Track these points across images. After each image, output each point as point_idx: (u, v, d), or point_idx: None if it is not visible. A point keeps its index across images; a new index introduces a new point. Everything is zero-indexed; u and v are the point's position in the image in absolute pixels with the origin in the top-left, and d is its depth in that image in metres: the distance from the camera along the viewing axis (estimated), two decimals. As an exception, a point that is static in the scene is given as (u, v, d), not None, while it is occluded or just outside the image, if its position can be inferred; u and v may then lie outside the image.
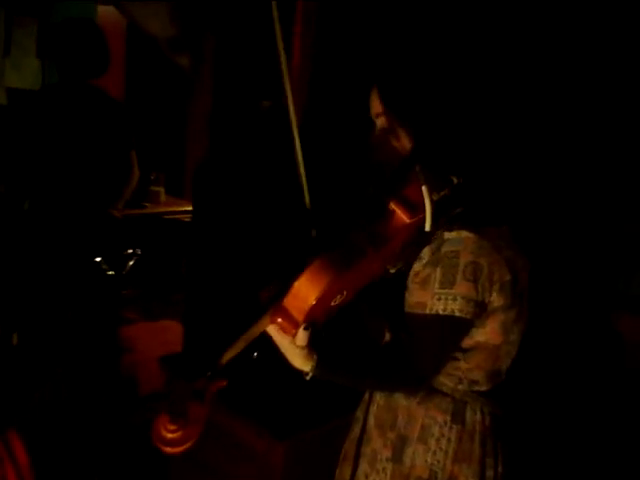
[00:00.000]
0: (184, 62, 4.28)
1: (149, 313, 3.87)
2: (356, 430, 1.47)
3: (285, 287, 1.16)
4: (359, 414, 1.48)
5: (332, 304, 1.15)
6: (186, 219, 3.90)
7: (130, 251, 2.81)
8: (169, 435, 1.13)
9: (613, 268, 2.15)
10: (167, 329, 3.47)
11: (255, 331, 1.20)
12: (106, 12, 3.85)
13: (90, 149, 2.68)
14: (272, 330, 1.17)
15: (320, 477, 1.78)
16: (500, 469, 1.35)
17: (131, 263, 2.84)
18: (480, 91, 1.36)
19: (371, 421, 1.42)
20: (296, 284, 1.13)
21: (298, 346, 1.16)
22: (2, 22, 3.32)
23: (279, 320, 1.16)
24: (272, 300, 1.19)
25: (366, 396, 1.46)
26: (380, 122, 1.29)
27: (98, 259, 2.67)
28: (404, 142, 1.27)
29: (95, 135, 2.69)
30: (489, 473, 1.33)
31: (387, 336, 1.42)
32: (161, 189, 4.03)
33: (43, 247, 2.62)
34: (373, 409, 1.42)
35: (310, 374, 1.21)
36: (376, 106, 1.29)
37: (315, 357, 1.18)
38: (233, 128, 3.14)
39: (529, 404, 2.04)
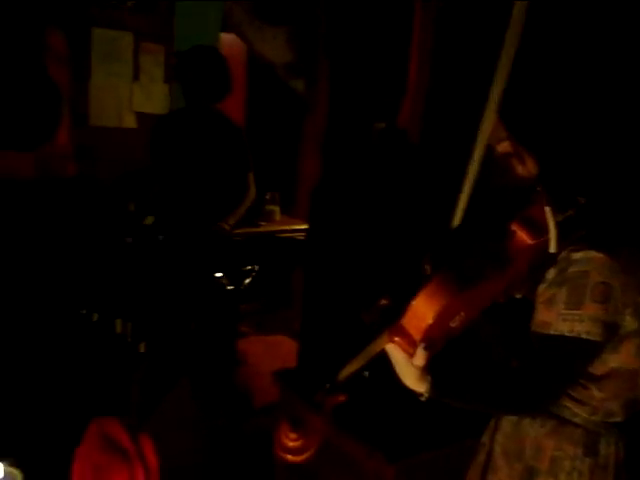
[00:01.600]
0: (299, 86, 4.42)
1: (261, 327, 3.99)
2: (481, 457, 1.45)
3: (401, 305, 1.17)
4: (485, 440, 1.46)
5: (451, 325, 1.15)
6: (299, 237, 4.00)
7: (248, 267, 2.93)
8: (290, 443, 1.18)
9: None
10: (279, 343, 3.55)
11: (373, 349, 1.21)
12: (228, 39, 4.06)
13: (210, 169, 2.84)
14: (390, 349, 1.18)
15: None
16: None
17: (248, 279, 2.95)
18: (601, 112, 1.33)
19: (497, 449, 1.40)
20: (414, 303, 1.14)
21: (414, 366, 1.15)
22: (131, 49, 3.57)
23: (397, 339, 1.16)
24: (389, 318, 1.20)
25: (492, 422, 1.44)
26: (502, 147, 1.29)
27: (219, 274, 2.80)
28: (529, 166, 1.26)
29: (215, 156, 2.84)
30: None
31: (508, 358, 1.39)
32: (276, 208, 4.16)
33: (169, 262, 2.78)
34: (499, 436, 1.39)
35: (425, 395, 1.19)
36: (499, 131, 1.29)
37: (429, 378, 1.17)
38: (347, 149, 3.21)
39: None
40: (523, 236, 1.18)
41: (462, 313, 1.15)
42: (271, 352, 3.37)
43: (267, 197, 4.15)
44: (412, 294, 1.15)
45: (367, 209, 2.53)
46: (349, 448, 1.96)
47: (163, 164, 2.91)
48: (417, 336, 1.14)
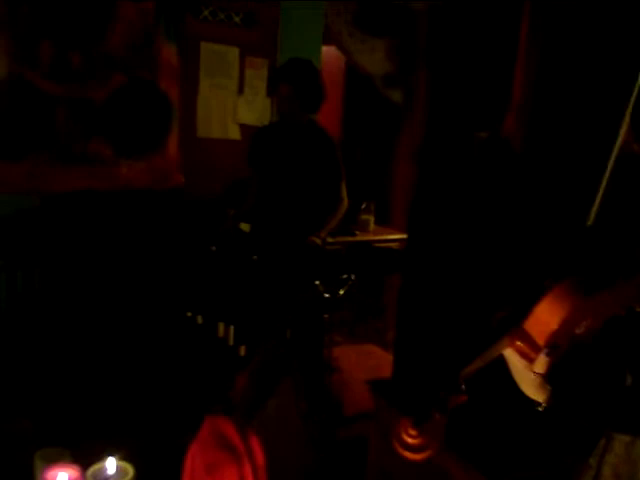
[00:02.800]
0: (396, 97, 4.43)
1: (352, 336, 4.03)
2: (587, 479, 1.40)
3: (523, 310, 1.15)
4: (592, 462, 1.40)
5: (576, 332, 1.12)
6: (393, 247, 4.01)
7: (345, 276, 2.96)
8: (410, 440, 1.16)
9: None
10: (370, 353, 3.57)
11: (493, 352, 1.19)
12: (329, 51, 4.13)
13: (303, 179, 2.89)
14: (510, 354, 1.16)
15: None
16: None
17: (344, 288, 2.98)
18: None
19: (606, 471, 1.34)
20: (539, 307, 1.11)
21: (535, 373, 1.12)
22: (237, 63, 3.69)
23: (519, 343, 1.14)
24: (509, 322, 1.18)
25: (601, 443, 1.38)
26: (629, 150, 1.26)
27: (317, 282, 2.84)
28: None
29: (308, 166, 2.89)
30: None
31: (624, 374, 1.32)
32: (371, 217, 4.19)
33: (266, 268, 2.86)
34: (610, 458, 1.34)
35: (543, 405, 1.16)
36: (626, 134, 1.27)
37: (549, 387, 1.13)
38: (446, 159, 3.19)
39: None
40: None
41: (588, 320, 1.12)
42: (362, 361, 3.39)
43: (362, 207, 4.18)
44: (532, 301, 1.13)
45: (469, 219, 2.50)
46: (445, 463, 1.94)
47: (259, 173, 3.00)
48: (540, 341, 1.12)
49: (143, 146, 3.36)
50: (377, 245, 4.01)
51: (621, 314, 1.19)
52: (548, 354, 1.10)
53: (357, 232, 4.06)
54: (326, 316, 3.05)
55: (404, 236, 4.01)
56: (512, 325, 1.16)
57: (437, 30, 4.06)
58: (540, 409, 1.17)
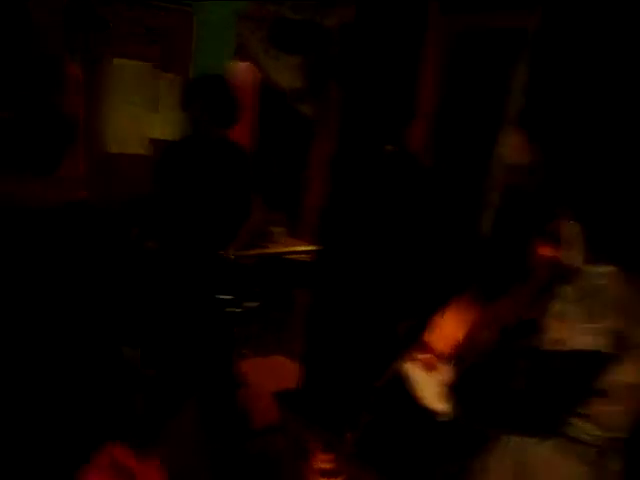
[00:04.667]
0: (308, 111, 4.52)
1: (260, 349, 4.04)
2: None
3: (425, 322, 1.21)
4: (491, 465, 1.43)
5: (478, 341, 1.18)
6: (305, 259, 4.06)
7: (252, 290, 2.99)
8: (325, 465, 1.17)
9: None
10: (278, 365, 3.61)
11: (397, 366, 1.23)
12: (242, 67, 4.16)
13: (213, 194, 2.88)
14: (412, 367, 1.19)
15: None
16: None
17: (252, 302, 3.02)
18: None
19: (504, 474, 1.37)
20: (444, 318, 1.17)
21: (439, 384, 1.16)
22: (149, 78, 3.64)
23: (423, 356, 1.19)
24: (415, 333, 1.23)
25: (498, 444, 1.40)
26: (524, 161, 1.34)
27: (222, 297, 2.86)
28: (551, 181, 1.30)
29: (218, 181, 2.88)
30: None
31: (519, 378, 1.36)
32: (281, 230, 4.24)
33: (171, 284, 2.85)
34: (507, 460, 1.37)
35: (446, 415, 1.19)
36: (521, 145, 1.35)
37: (453, 396, 1.16)
38: (357, 172, 3.28)
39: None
40: (547, 250, 1.21)
41: (490, 329, 1.19)
42: (271, 373, 3.42)
43: (273, 219, 4.23)
44: (434, 312, 1.18)
45: (378, 231, 2.57)
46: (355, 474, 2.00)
47: (166, 190, 2.96)
48: (445, 351, 1.17)
49: (39, 163, 3.27)
50: (288, 257, 4.07)
51: (513, 322, 1.26)
52: (455, 364, 1.15)
53: (268, 245, 4.11)
54: (235, 330, 3.08)
55: (316, 248, 4.09)
56: (417, 336, 1.20)
57: (348, 47, 4.17)
58: (441, 419, 1.21)
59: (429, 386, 1.18)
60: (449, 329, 1.15)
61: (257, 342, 3.96)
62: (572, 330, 1.18)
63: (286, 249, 4.15)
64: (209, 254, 2.88)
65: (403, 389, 1.24)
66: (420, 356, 1.18)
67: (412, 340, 1.21)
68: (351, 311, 2.51)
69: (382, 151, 3.25)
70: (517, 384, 1.31)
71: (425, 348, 1.18)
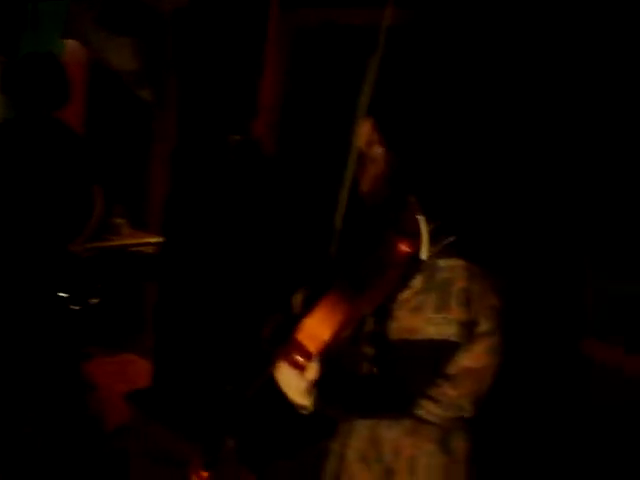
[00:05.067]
0: (146, 95, 4.30)
1: (108, 347, 3.82)
2: (333, 464, 1.46)
3: (289, 322, 1.19)
4: (335, 446, 1.47)
5: (343, 335, 1.18)
6: (150, 251, 3.89)
7: (94, 285, 2.80)
8: None
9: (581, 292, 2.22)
10: (128, 362, 3.43)
11: (269, 371, 1.20)
12: (71, 45, 3.86)
13: (49, 182, 2.67)
14: (283, 367, 1.17)
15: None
16: None
17: (95, 297, 2.83)
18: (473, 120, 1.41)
19: (351, 455, 1.41)
20: (311, 317, 1.15)
21: (306, 381, 1.16)
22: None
23: (293, 357, 1.16)
24: (278, 338, 1.22)
25: (343, 427, 1.45)
26: (373, 152, 1.32)
27: (62, 294, 2.65)
28: (399, 173, 1.29)
29: (54, 168, 2.67)
30: None
31: (367, 365, 1.39)
32: (123, 221, 4.02)
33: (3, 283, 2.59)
34: (353, 442, 1.40)
35: (310, 408, 1.20)
36: (370, 135, 1.32)
37: (315, 390, 1.18)
38: (200, 161, 3.18)
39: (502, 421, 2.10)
40: (401, 244, 1.22)
41: (355, 322, 1.20)
42: (121, 372, 3.25)
43: (114, 210, 3.99)
44: (301, 310, 1.17)
45: (223, 221, 2.51)
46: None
47: None
48: (314, 351, 1.15)
49: None
50: (133, 250, 3.87)
51: (370, 314, 1.30)
52: (319, 361, 1.15)
53: (110, 237, 3.87)
54: (77, 329, 2.87)
55: (160, 240, 3.93)
56: (284, 337, 1.19)
57: (183, 34, 4.03)
58: (305, 412, 1.22)
59: (297, 382, 1.18)
60: (319, 327, 1.15)
61: (104, 341, 3.73)
62: (421, 320, 1.23)
63: (130, 241, 3.94)
64: (48, 250, 2.64)
65: (273, 387, 1.22)
66: (292, 356, 1.16)
67: (280, 340, 1.21)
68: (199, 306, 2.44)
69: (226, 141, 3.20)
70: (366, 371, 1.37)
71: (297, 347, 1.16)
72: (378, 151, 1.31)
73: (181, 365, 2.36)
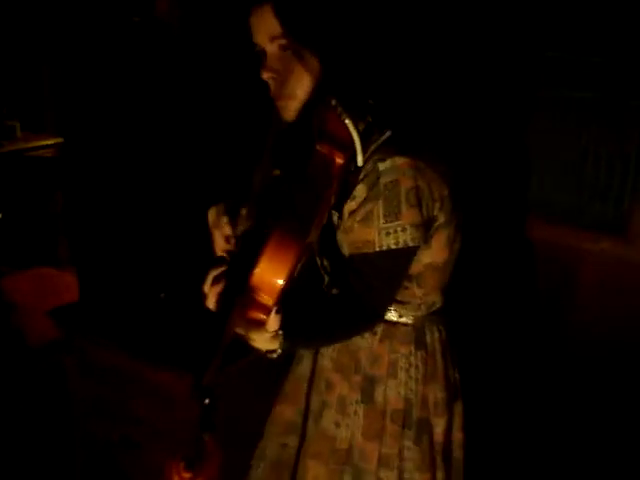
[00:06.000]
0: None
1: (19, 262, 3.57)
2: (302, 371, 1.43)
3: (241, 277, 1.05)
4: (306, 355, 1.43)
5: (295, 273, 1.07)
6: (49, 154, 3.58)
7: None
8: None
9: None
10: (44, 276, 3.23)
11: (229, 333, 1.07)
12: None
13: None
14: (244, 328, 1.06)
15: (241, 413, 1.77)
16: (457, 375, 1.42)
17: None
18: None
19: (326, 363, 1.38)
20: (259, 269, 1.01)
21: (269, 331, 1.06)
22: None
23: (249, 313, 1.04)
24: (229, 296, 1.08)
25: None
26: (274, 47, 1.12)
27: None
28: (310, 66, 1.11)
29: None
30: (450, 382, 1.39)
31: (326, 281, 1.35)
32: (16, 123, 3.63)
33: None
34: (327, 350, 1.38)
35: (279, 351, 1.12)
36: (271, 27, 1.10)
37: (281, 332, 1.08)
38: (99, 45, 2.86)
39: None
40: (332, 156, 1.09)
41: (304, 254, 1.07)
42: (38, 287, 3.06)
43: (4, 111, 3.59)
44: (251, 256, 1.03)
45: (129, 107, 2.29)
46: (156, 377, 1.86)
47: None
48: (270, 302, 1.04)
49: None
50: (30, 155, 3.53)
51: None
52: (277, 311, 1.04)
53: (3, 142, 3.51)
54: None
55: (60, 140, 3.61)
56: (230, 297, 1.07)
57: None
58: (275, 356, 1.13)
59: (260, 335, 1.07)
60: (271, 277, 1.02)
61: (15, 257, 3.47)
62: (374, 230, 1.15)
63: (25, 145, 3.58)
64: None
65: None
66: (249, 313, 1.05)
67: (232, 298, 1.07)
68: (115, 209, 2.25)
69: (129, 21, 2.89)
70: (326, 289, 1.33)
71: (251, 303, 1.05)
72: (282, 44, 1.11)
73: (108, 275, 2.21)
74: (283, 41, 1.11)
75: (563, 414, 2.19)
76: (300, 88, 1.14)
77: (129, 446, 1.95)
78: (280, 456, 1.46)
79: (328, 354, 1.38)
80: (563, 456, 2.20)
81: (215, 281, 1.13)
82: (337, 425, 1.36)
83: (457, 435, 1.42)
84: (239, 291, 1.06)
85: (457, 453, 1.43)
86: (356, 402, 1.34)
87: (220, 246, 1.20)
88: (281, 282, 1.02)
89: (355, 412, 1.34)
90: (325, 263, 1.34)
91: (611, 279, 2.05)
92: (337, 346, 1.36)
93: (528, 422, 2.24)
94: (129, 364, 1.90)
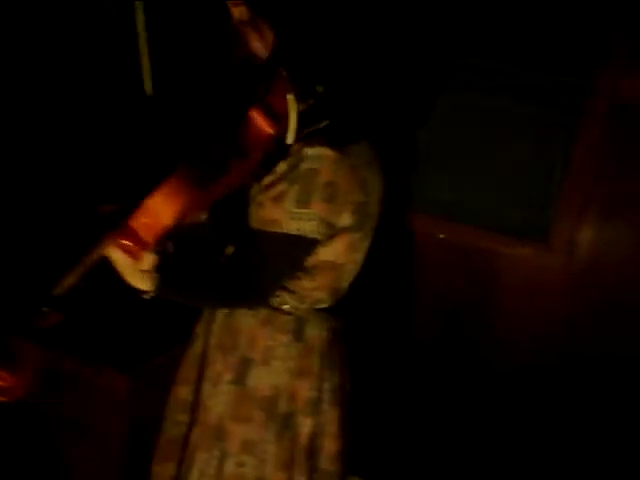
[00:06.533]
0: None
1: None
2: (197, 348, 1.43)
3: (130, 204, 1.06)
4: (199, 331, 1.44)
5: (185, 223, 1.07)
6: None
7: None
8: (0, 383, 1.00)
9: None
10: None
11: (95, 255, 1.08)
12: None
13: None
14: (115, 253, 1.07)
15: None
16: (337, 379, 1.39)
17: None
18: None
19: (212, 341, 1.39)
20: (150, 202, 1.02)
21: (141, 267, 1.08)
22: None
23: (125, 242, 1.05)
24: (114, 219, 1.08)
25: (206, 314, 1.42)
26: (238, 11, 1.15)
27: None
28: (267, 37, 1.13)
29: None
30: (326, 385, 1.37)
31: (229, 250, 1.35)
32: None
33: None
34: (214, 327, 1.38)
35: (150, 293, 1.14)
36: None
37: (156, 275, 1.11)
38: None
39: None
40: (263, 124, 1.08)
41: (200, 209, 1.09)
42: None
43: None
44: (140, 194, 1.04)
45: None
46: (74, 370, 1.83)
47: None
48: (149, 239, 1.04)
49: None
50: None
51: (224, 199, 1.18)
52: (156, 252, 1.06)
53: None
54: None
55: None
56: (118, 221, 1.07)
57: None
58: (147, 297, 1.16)
59: (133, 271, 1.10)
60: (158, 214, 1.03)
61: None
62: (282, 212, 1.16)
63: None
64: None
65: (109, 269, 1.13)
66: (125, 242, 1.06)
67: (114, 223, 1.08)
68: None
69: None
70: (222, 259, 1.32)
71: (129, 233, 1.05)
72: (243, 11, 1.15)
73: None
74: (243, 7, 1.14)
75: (488, 415, 2.19)
76: (251, 54, 1.15)
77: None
78: (175, 434, 1.46)
79: (215, 330, 1.38)
80: (482, 462, 2.19)
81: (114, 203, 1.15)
82: (208, 400, 1.37)
83: (329, 445, 1.39)
84: (123, 217, 1.07)
85: (326, 465, 1.39)
86: (228, 382, 1.34)
87: None
88: (166, 223, 1.02)
89: (226, 392, 1.34)
90: (228, 235, 1.33)
91: (532, 285, 2.08)
92: (221, 322, 1.37)
93: (450, 428, 2.24)
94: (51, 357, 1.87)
